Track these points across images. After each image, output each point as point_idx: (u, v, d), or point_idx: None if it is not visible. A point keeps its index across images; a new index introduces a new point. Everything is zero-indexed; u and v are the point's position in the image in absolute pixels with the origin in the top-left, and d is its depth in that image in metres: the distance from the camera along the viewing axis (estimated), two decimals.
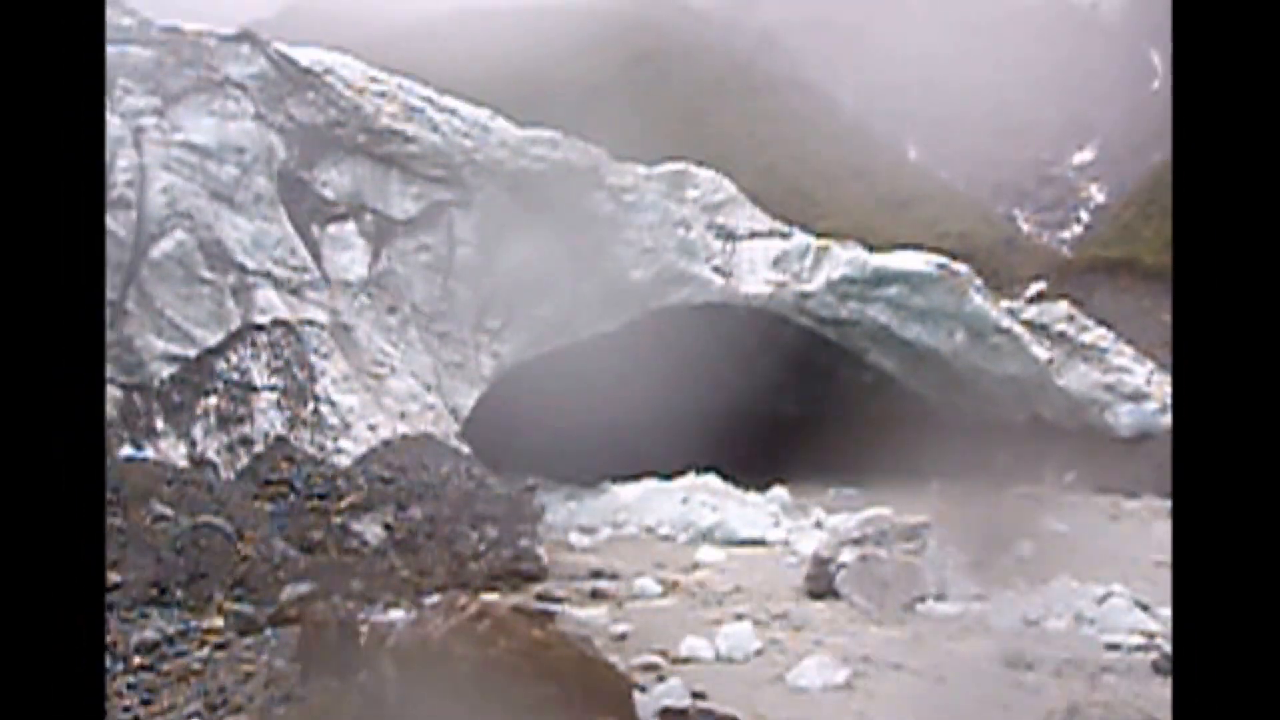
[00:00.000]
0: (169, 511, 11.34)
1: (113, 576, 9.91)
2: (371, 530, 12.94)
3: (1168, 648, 9.43)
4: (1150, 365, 23.42)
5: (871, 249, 23.71)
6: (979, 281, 24.09)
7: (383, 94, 18.09)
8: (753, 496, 19.71)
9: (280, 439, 14.11)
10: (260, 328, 15.05)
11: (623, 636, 10.12)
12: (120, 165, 14.54)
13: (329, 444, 14.48)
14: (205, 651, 8.79)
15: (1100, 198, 37.19)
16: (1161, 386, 22.96)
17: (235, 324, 14.84)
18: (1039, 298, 25.17)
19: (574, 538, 16.63)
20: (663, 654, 9.37)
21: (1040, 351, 23.84)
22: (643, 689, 7.85)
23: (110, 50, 15.21)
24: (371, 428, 15.16)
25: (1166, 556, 14.22)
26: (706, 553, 15.21)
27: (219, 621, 9.74)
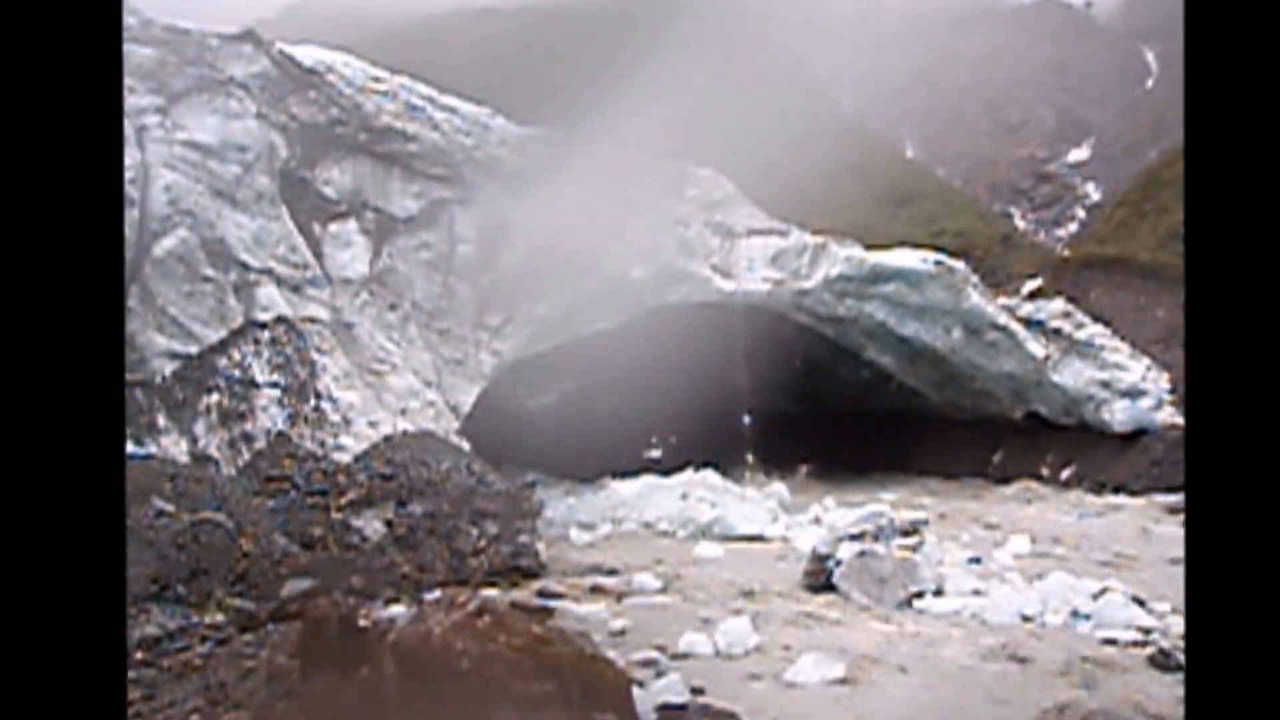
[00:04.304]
0: (170, 507, 11.40)
1: None
2: (372, 526, 13.01)
3: (1164, 643, 9.53)
4: (1145, 361, 23.50)
5: (869, 246, 23.77)
6: (975, 279, 24.16)
7: (383, 93, 18.11)
8: (751, 492, 19.77)
9: (281, 435, 14.18)
10: (262, 325, 15.11)
11: (621, 632, 10.18)
12: (123, 163, 14.58)
13: (330, 440, 14.55)
14: (206, 647, 8.84)
15: (1095, 196, 37.20)
16: (1157, 382, 23.05)
17: (237, 321, 14.90)
18: (1035, 295, 25.22)
19: (573, 534, 16.68)
20: (661, 650, 9.43)
21: (1036, 348, 23.93)
22: (641, 685, 7.93)
23: None
24: (372, 424, 15.24)
25: (1163, 551, 14.35)
26: (705, 548, 15.26)
27: (220, 617, 9.80)
